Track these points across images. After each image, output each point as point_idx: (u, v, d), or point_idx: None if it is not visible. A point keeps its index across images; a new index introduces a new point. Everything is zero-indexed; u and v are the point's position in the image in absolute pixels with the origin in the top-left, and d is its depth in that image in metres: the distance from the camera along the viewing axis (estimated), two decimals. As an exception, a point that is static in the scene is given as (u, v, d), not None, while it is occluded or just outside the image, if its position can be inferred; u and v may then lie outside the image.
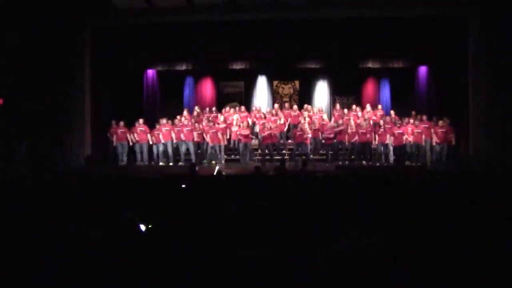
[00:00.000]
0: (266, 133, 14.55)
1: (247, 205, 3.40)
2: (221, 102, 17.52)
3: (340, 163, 14.45)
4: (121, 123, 14.93)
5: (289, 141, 15.58)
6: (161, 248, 2.21)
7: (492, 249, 2.20)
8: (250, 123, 15.68)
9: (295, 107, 16.43)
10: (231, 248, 1.89)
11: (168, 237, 2.48)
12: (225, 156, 15.02)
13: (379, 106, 16.04)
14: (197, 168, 10.98)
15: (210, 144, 14.62)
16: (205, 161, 14.67)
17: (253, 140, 15.35)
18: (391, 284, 1.37)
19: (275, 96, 17.95)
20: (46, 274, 1.92)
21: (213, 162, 14.62)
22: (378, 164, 14.23)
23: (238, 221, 2.30)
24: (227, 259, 1.76)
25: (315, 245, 1.73)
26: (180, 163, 14.59)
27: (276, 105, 16.77)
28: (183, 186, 5.94)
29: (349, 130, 14.56)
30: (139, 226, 2.46)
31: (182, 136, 14.65)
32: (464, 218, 3.20)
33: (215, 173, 10.66)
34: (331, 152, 14.99)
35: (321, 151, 15.18)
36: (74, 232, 2.28)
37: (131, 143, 14.90)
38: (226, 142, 14.90)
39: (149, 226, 2.70)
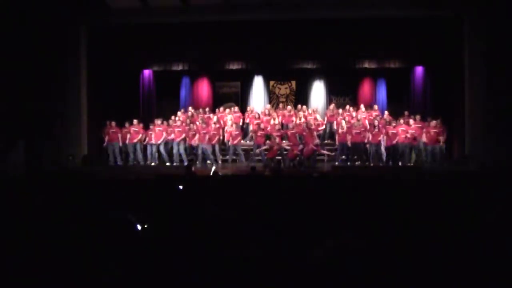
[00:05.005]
0: (259, 133, 14.61)
1: (243, 206, 3.41)
2: (217, 102, 17.54)
3: (336, 163, 14.45)
4: (113, 123, 14.87)
5: (284, 141, 15.60)
6: (157, 247, 2.20)
7: (487, 249, 2.21)
8: (243, 123, 15.80)
9: (288, 107, 16.46)
10: (226, 248, 1.90)
11: (165, 236, 2.47)
12: (221, 156, 15.01)
13: (375, 107, 16.07)
14: (193, 169, 10.97)
15: (203, 144, 14.60)
16: (198, 162, 14.64)
17: (244, 141, 15.37)
18: (383, 283, 1.37)
19: (272, 97, 17.98)
20: (44, 274, 1.92)
21: (208, 162, 14.62)
22: (372, 165, 14.23)
23: (233, 221, 2.31)
24: (222, 259, 1.77)
25: (310, 245, 1.73)
26: (174, 164, 14.57)
27: (269, 105, 16.81)
28: (180, 187, 5.90)
29: (340, 131, 14.57)
30: (135, 226, 2.46)
31: (173, 136, 14.64)
32: (460, 219, 3.21)
33: (211, 173, 10.65)
34: (327, 152, 15.01)
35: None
36: (70, 232, 2.28)
37: (120, 144, 14.82)
38: (216, 143, 14.86)
39: (145, 226, 2.70)
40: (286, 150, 14.23)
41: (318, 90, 17.73)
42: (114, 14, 14.77)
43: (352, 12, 14.52)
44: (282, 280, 1.64)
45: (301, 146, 14.00)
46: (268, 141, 14.44)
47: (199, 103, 17.41)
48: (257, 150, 14.48)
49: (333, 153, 14.63)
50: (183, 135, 14.68)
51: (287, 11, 14.69)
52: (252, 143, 15.36)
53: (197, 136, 14.66)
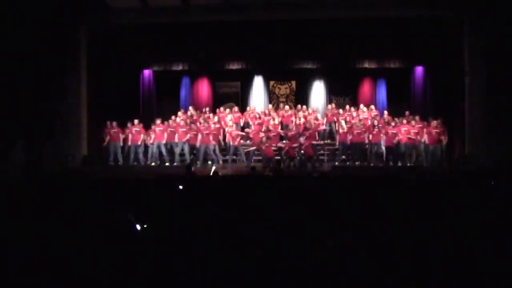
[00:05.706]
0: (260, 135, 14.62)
1: (243, 206, 3.41)
2: (217, 102, 17.55)
3: (337, 163, 14.45)
4: (114, 124, 14.89)
5: (284, 141, 15.61)
6: (157, 247, 2.20)
7: (487, 249, 2.21)
8: (243, 123, 15.81)
9: (286, 107, 16.46)
10: (226, 248, 1.90)
11: (165, 236, 2.47)
12: (221, 156, 14.98)
13: (372, 107, 16.04)
14: (193, 169, 10.97)
15: (203, 144, 14.59)
16: (199, 161, 14.63)
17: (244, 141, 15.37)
18: (383, 283, 1.37)
19: (272, 97, 17.98)
20: (44, 274, 1.92)
21: (209, 162, 14.61)
22: (372, 165, 14.22)
23: (233, 221, 2.30)
24: (222, 259, 1.77)
25: (310, 245, 1.73)
26: (175, 164, 14.56)
27: (270, 105, 16.82)
28: (180, 187, 5.90)
29: (340, 130, 14.57)
30: (135, 226, 2.46)
31: (176, 136, 14.63)
32: (460, 219, 3.21)
33: (211, 174, 10.65)
34: (327, 152, 15.03)
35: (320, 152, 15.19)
36: (70, 232, 2.28)
37: (121, 143, 14.82)
38: (217, 143, 14.84)
39: (145, 226, 2.70)
40: (285, 149, 14.23)
41: (318, 90, 17.74)
42: (114, 14, 14.77)
43: (352, 12, 14.52)
44: (282, 280, 1.65)
45: (300, 141, 13.99)
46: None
47: (199, 103, 17.42)
48: (250, 149, 14.51)
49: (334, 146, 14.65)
50: (188, 135, 14.68)
51: (287, 11, 14.68)
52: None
53: (199, 136, 14.64)
